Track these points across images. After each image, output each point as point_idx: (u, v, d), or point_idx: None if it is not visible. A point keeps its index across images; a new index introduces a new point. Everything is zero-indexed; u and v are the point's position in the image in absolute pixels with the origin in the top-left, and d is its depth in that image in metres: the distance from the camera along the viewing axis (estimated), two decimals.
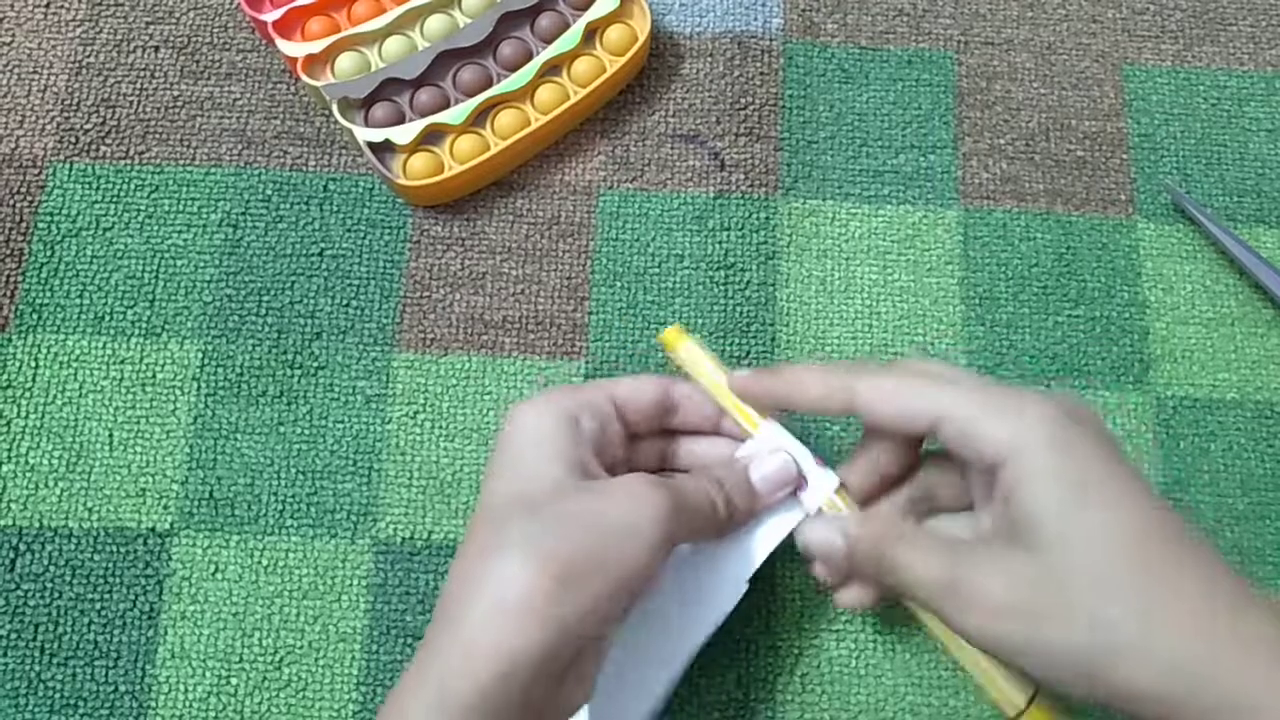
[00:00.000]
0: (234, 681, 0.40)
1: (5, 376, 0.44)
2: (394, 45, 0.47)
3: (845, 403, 0.35)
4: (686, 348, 0.39)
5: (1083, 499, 0.31)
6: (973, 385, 0.34)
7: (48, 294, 0.45)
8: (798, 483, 0.37)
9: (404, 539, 0.42)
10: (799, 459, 0.37)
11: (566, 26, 0.48)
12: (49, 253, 0.45)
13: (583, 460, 0.35)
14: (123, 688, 0.40)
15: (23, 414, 0.43)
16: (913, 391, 0.34)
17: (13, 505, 0.42)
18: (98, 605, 0.41)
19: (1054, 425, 0.32)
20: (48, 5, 0.49)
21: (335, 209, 0.46)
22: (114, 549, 0.42)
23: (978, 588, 0.32)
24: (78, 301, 0.45)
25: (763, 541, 0.38)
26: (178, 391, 0.44)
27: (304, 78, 0.46)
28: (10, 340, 0.44)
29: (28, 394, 0.43)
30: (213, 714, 0.40)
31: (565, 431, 0.35)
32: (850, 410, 0.35)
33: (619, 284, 0.46)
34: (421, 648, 0.32)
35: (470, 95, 0.47)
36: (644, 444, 0.39)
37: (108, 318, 0.45)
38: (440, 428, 0.44)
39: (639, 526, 0.33)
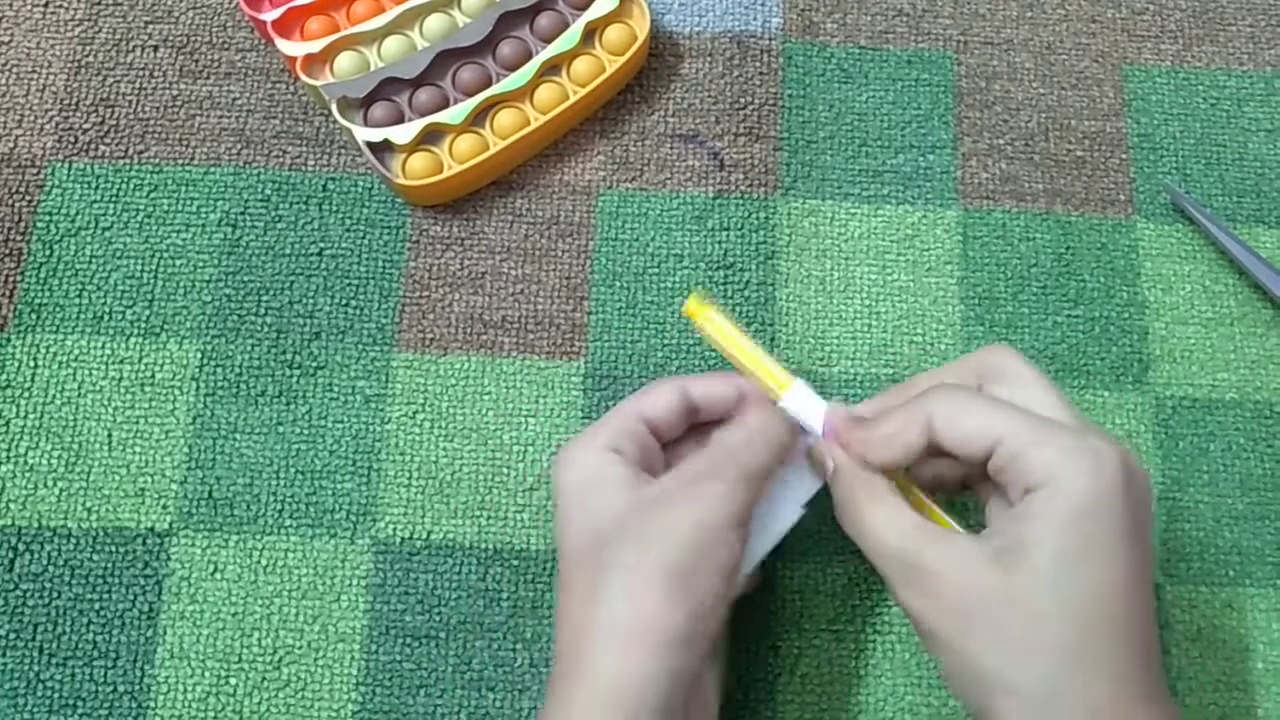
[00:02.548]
0: (233, 681, 0.40)
1: (4, 376, 0.44)
2: (393, 45, 0.47)
3: (923, 426, 0.34)
4: (710, 316, 0.39)
5: (1082, 556, 0.31)
6: (1035, 415, 0.34)
7: (46, 294, 0.45)
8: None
9: (403, 539, 0.42)
10: (815, 423, 0.38)
11: (566, 26, 0.48)
12: (48, 252, 0.45)
13: (639, 483, 0.36)
14: (122, 688, 0.40)
15: (22, 414, 0.43)
16: (977, 413, 0.34)
17: (11, 505, 0.42)
18: (97, 605, 0.41)
19: (1104, 478, 0.32)
20: (46, 4, 0.49)
21: (334, 209, 0.46)
22: (113, 549, 0.42)
23: (937, 572, 0.32)
24: (76, 301, 0.45)
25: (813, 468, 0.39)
26: (177, 391, 0.44)
27: (303, 77, 0.46)
28: (9, 340, 0.44)
29: (26, 394, 0.43)
30: (212, 714, 0.40)
31: (613, 463, 0.36)
32: (931, 437, 0.34)
33: (618, 284, 0.46)
34: (547, 705, 0.33)
35: (469, 95, 0.47)
36: (677, 446, 0.39)
37: (106, 317, 0.44)
38: (440, 427, 0.44)
39: (710, 516, 0.34)
